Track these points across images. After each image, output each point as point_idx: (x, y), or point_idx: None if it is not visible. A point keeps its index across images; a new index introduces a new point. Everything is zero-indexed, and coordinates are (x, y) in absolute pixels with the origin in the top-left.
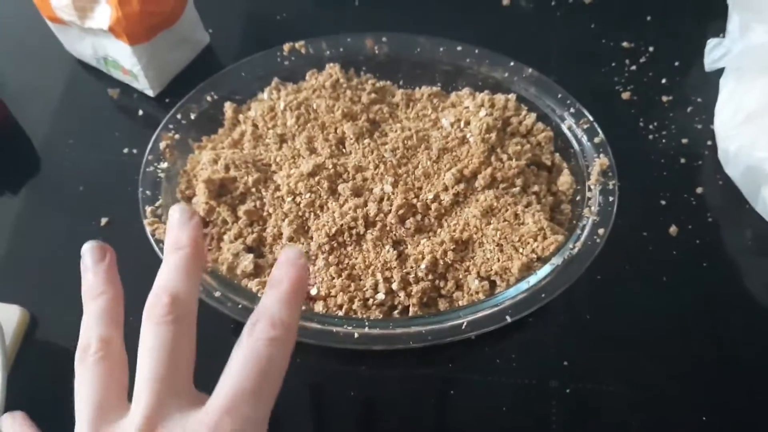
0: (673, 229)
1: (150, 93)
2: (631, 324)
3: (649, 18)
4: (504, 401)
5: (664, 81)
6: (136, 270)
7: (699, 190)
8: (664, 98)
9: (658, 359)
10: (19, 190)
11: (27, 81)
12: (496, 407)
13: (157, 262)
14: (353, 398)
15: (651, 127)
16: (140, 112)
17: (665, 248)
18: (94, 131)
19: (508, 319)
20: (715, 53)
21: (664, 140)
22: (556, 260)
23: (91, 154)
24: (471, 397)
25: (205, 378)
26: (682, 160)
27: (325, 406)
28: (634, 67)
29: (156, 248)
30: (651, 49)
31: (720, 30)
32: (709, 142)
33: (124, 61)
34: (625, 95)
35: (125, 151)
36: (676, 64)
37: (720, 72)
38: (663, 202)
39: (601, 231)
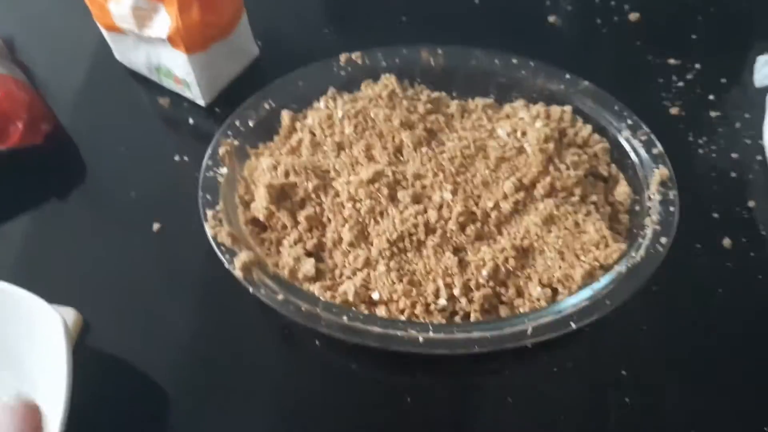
0: (726, 242)
1: (201, 102)
2: (687, 336)
3: (693, 36)
4: (562, 410)
5: (711, 97)
6: (190, 274)
7: (751, 203)
8: (712, 114)
9: (713, 371)
10: (70, 197)
11: (76, 90)
12: (553, 416)
13: (213, 266)
14: (409, 404)
15: (700, 141)
16: (190, 121)
17: (719, 261)
18: (145, 139)
19: (573, 325)
20: (765, 70)
21: (714, 155)
22: (619, 268)
23: (141, 162)
24: (528, 405)
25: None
26: (733, 174)
27: (380, 413)
28: (681, 84)
29: (217, 251)
30: (697, 66)
31: (764, 48)
32: (759, 157)
33: (178, 70)
34: (674, 110)
35: (176, 158)
36: (723, 80)
37: (767, 89)
38: (715, 215)
39: (663, 240)
